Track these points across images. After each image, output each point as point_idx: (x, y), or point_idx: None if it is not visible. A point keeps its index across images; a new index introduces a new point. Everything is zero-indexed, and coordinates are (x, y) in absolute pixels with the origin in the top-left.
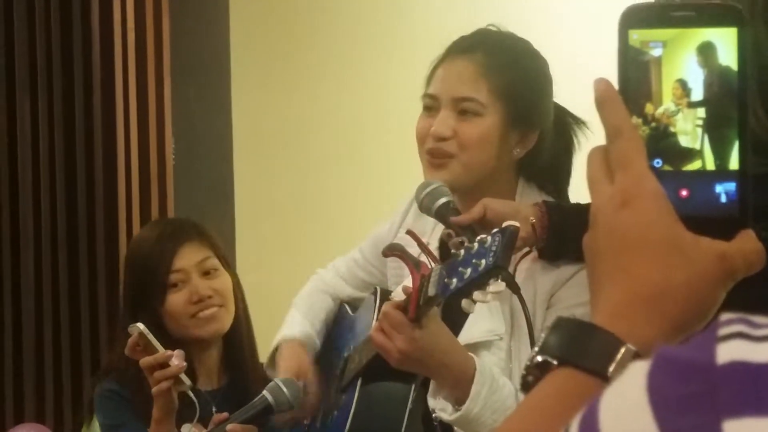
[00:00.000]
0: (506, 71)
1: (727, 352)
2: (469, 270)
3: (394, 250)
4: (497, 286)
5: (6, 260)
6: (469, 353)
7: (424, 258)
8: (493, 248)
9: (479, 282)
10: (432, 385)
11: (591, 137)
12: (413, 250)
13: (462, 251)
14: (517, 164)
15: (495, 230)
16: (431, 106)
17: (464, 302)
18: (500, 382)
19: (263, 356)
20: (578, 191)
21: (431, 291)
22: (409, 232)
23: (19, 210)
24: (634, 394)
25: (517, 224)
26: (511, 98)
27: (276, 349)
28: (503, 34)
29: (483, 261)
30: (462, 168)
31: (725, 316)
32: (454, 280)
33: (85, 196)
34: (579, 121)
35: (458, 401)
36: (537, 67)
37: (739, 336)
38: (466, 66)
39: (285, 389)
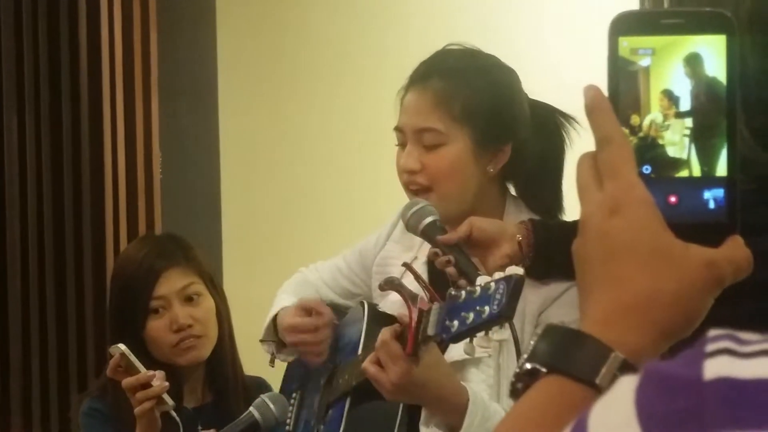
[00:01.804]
0: (463, 94)
1: (714, 369)
2: (471, 315)
3: (391, 285)
4: (501, 334)
5: None
6: (462, 383)
7: (411, 281)
8: (498, 296)
9: (481, 329)
10: (424, 414)
11: (582, 132)
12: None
13: (463, 293)
14: (499, 177)
15: (499, 277)
16: (400, 139)
17: (466, 346)
18: (491, 409)
19: (249, 369)
20: (570, 193)
21: (430, 330)
22: (406, 265)
23: (6, 226)
24: (623, 409)
25: (521, 272)
26: (472, 120)
27: (272, 324)
28: (460, 53)
29: (487, 308)
30: (440, 201)
31: (713, 333)
32: (456, 323)
33: (72, 213)
34: (568, 118)
35: (451, 429)
36: (497, 81)
37: (726, 352)
38: (421, 96)
39: (272, 405)
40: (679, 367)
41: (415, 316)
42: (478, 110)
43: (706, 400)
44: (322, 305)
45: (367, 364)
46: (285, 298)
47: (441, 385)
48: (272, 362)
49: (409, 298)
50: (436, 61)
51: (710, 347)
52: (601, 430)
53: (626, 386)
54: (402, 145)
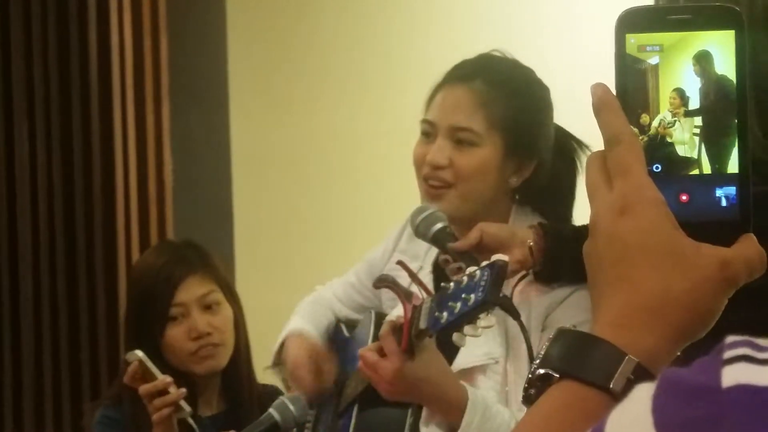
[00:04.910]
0: (505, 102)
1: (733, 376)
2: (459, 304)
3: (384, 282)
4: (488, 320)
5: (4, 285)
6: (462, 382)
7: (414, 288)
8: (482, 283)
9: (470, 316)
10: (424, 413)
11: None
12: (405, 279)
13: (452, 284)
14: (512, 190)
15: (484, 264)
16: (428, 132)
17: (455, 336)
18: (493, 410)
19: (262, 377)
20: (580, 212)
21: (422, 324)
22: (400, 263)
23: (18, 235)
24: (640, 417)
25: (506, 258)
26: (508, 129)
27: (281, 348)
28: (505, 62)
29: (472, 296)
30: (459, 199)
31: (730, 339)
32: (445, 314)
33: (83, 221)
34: (582, 145)
35: (451, 428)
36: (537, 97)
37: (744, 359)
38: (464, 95)
39: (291, 406)
40: (697, 375)
41: (409, 312)
42: (516, 121)
43: (724, 408)
44: (319, 352)
45: (362, 366)
46: (298, 322)
47: (438, 382)
48: (288, 389)
49: (403, 294)
50: (482, 63)
51: (728, 354)
52: None
53: (643, 394)
54: (425, 134)
